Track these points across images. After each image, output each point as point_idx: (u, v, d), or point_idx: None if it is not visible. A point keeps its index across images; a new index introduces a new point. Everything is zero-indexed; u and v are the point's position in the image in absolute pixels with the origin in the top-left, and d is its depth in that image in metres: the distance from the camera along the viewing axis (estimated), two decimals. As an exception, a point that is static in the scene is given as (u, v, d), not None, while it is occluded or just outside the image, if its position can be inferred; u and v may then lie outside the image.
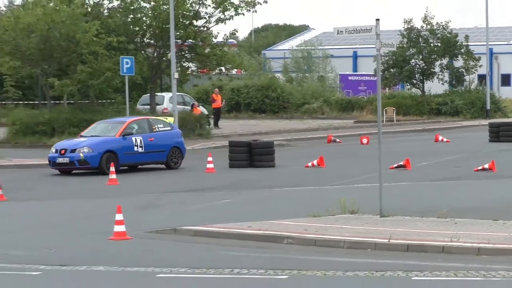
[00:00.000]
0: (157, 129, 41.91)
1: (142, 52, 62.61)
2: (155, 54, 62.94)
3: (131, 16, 61.68)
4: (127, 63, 56.96)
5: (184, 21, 60.79)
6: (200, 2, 61.54)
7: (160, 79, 65.32)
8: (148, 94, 65.12)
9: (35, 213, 30.75)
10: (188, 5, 61.01)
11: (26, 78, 64.66)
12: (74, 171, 39.81)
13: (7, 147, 54.75)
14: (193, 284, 18.99)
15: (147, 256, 21.89)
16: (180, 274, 19.82)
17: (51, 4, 59.52)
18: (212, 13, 62.12)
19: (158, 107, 64.15)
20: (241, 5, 61.72)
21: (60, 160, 39.22)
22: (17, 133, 57.98)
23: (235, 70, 79.22)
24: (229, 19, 62.50)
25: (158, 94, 65.48)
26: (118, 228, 24.30)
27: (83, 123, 57.41)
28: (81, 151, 38.87)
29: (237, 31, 67.95)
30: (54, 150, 39.92)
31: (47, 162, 46.49)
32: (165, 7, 59.31)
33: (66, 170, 39.60)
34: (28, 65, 60.63)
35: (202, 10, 61.91)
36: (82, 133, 41.94)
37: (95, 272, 20.43)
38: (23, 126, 58.25)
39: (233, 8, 61.75)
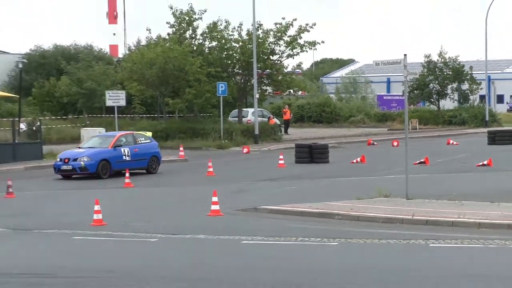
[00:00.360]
0: (140, 142, 39.26)
1: (233, 79, 62.67)
2: (242, 80, 62.96)
3: (225, 53, 61.74)
4: (221, 87, 57.16)
5: (264, 56, 60.75)
6: (275, 42, 61.47)
7: (246, 98, 65.35)
8: (237, 110, 65.27)
9: (154, 196, 30.89)
10: (266, 45, 60.99)
11: (149, 98, 64.96)
12: (74, 176, 37.02)
13: (134, 148, 54.95)
14: (268, 248, 18.93)
15: (235, 228, 21.85)
16: (258, 241, 19.77)
17: (167, 45, 59.79)
18: (284, 50, 61.99)
19: (244, 119, 64.23)
20: (305, 45, 61.58)
21: (64, 167, 36.77)
22: (142, 138, 58.25)
23: (300, 92, 79.32)
24: (296, 55, 62.35)
25: (244, 109, 65.52)
26: (214, 207, 24.32)
27: (189, 131, 57.73)
28: (82, 159, 36.56)
29: (302, 63, 68.27)
30: (58, 159, 37.54)
31: (164, 159, 46.73)
32: (249, 46, 59.31)
33: (68, 175, 36.92)
34: (150, 88, 60.96)
35: (277, 48, 61.79)
36: (80, 145, 39.50)
37: (197, 239, 20.46)
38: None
39: (299, 47, 61.61)
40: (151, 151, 39.34)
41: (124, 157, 37.51)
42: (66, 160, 36.78)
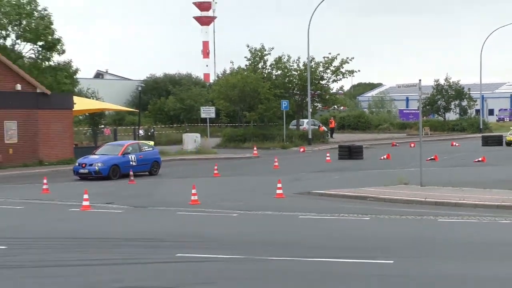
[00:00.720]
0: (144, 149, 35.55)
1: (292, 98, 62.53)
2: (299, 98, 62.80)
3: (287, 79, 61.70)
4: (284, 103, 57.12)
5: (315, 81, 60.52)
6: (324, 71, 61.29)
7: (302, 112, 65.16)
8: (295, 120, 65.15)
9: (235, 183, 30.96)
10: (317, 73, 60.86)
11: (231, 111, 65.24)
12: (89, 178, 33.24)
13: (221, 148, 55.32)
14: (318, 221, 18.83)
15: (293, 206, 21.79)
16: (311, 216, 19.67)
17: (245, 73, 59.92)
18: (330, 77, 61.77)
19: (300, 127, 64.09)
20: (346, 73, 61.42)
21: (82, 171, 33.28)
22: (226, 141, 58.62)
23: (342, 107, 78.97)
24: (339, 80, 62.34)
25: (301, 120, 65.40)
26: (278, 191, 24.27)
27: (260, 135, 57.78)
28: (97, 165, 33.18)
29: (343, 86, 69.08)
30: (77, 164, 34.01)
31: (242, 156, 47.02)
32: (305, 74, 59.25)
33: (85, 177, 33.23)
34: (233, 104, 61.11)
35: (325, 75, 61.58)
36: (96, 152, 35.39)
37: (265, 214, 20.42)
38: (229, 137, 58.86)
39: (341, 74, 61.50)
40: (153, 157, 35.77)
41: (131, 162, 34.25)
42: (83, 165, 33.48)
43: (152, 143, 39.62)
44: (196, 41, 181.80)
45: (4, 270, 12.30)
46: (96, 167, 33.21)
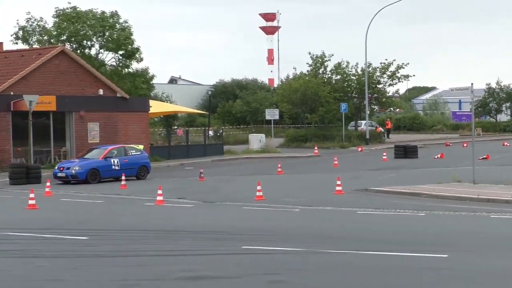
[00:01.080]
0: (130, 153, 32.25)
1: (351, 100, 61.94)
2: (357, 101, 62.18)
3: (346, 83, 61.20)
4: (343, 106, 56.65)
5: (372, 85, 59.88)
6: (380, 76, 60.66)
7: (360, 114, 64.43)
8: (354, 121, 64.52)
9: (297, 180, 30.81)
10: (374, 78, 60.27)
11: (294, 113, 65.04)
12: (72, 182, 30.53)
13: (284, 147, 55.21)
14: (375, 216, 18.53)
15: (352, 202, 21.51)
16: (368, 211, 19.35)
17: (307, 78, 59.73)
18: (386, 81, 61.09)
19: (358, 128, 63.46)
20: (401, 77, 60.69)
21: (59, 174, 30.76)
22: (289, 141, 58.55)
23: (398, 109, 77.98)
24: (395, 84, 61.80)
25: (359, 121, 64.73)
26: (338, 188, 23.99)
27: (321, 136, 57.47)
28: (74, 168, 30.46)
29: (399, 89, 67.79)
30: (57, 167, 31.57)
31: (304, 155, 46.83)
32: (362, 78, 58.72)
33: (63, 181, 30.68)
34: (295, 107, 60.97)
35: (381, 80, 60.94)
36: (80, 155, 33.20)
37: (325, 209, 20.21)
38: (292, 137, 58.81)
39: (397, 79, 60.81)
40: (140, 161, 32.44)
41: (113, 166, 31.29)
42: (61, 168, 30.93)
43: (141, 147, 34.85)
44: (262, 49, 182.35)
45: (86, 259, 12.44)
46: (73, 171, 30.51)
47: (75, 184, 30.02)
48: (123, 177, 29.12)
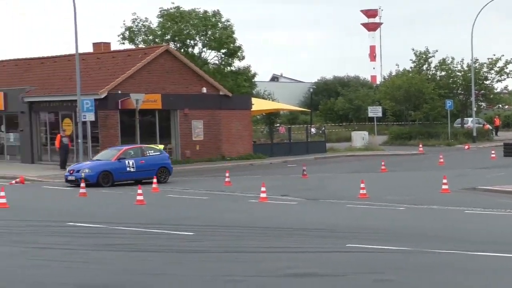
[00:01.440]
0: (147, 154, 29.92)
1: (456, 97, 60.32)
2: (463, 98, 60.53)
3: (451, 79, 59.72)
4: (449, 103, 55.33)
5: (479, 81, 58.11)
6: (488, 71, 58.85)
7: (466, 110, 62.66)
8: (460, 118, 62.83)
9: (401, 178, 30.26)
10: (481, 73, 58.50)
11: (397, 111, 64.02)
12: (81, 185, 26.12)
13: (387, 145, 54.41)
14: (484, 216, 17.90)
15: (458, 201, 20.84)
16: (477, 211, 18.72)
17: (410, 74, 58.70)
18: (494, 77, 59.18)
19: (465, 125, 61.73)
20: (510, 73, 58.71)
21: (70, 177, 28.76)
22: (392, 138, 57.75)
23: (507, 106, 75.33)
24: (504, 80, 59.91)
25: (465, 118, 62.94)
26: (444, 186, 23.34)
27: (425, 133, 56.32)
28: (84, 171, 28.37)
29: (507, 85, 65.61)
30: (67, 170, 29.86)
31: (408, 153, 45.99)
32: (469, 74, 57.16)
33: (74, 184, 28.11)
34: (398, 104, 60.07)
35: (489, 76, 59.11)
36: (94, 157, 31.48)
37: (431, 208, 19.70)
38: (396, 135, 58.02)
39: (506, 75, 58.82)
40: (159, 162, 30.02)
41: (128, 168, 29.15)
42: (71, 171, 29.05)
43: (161, 147, 32.24)
44: (363, 46, 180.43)
45: (190, 254, 12.68)
46: (82, 174, 28.31)
47: (88, 187, 26.19)
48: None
